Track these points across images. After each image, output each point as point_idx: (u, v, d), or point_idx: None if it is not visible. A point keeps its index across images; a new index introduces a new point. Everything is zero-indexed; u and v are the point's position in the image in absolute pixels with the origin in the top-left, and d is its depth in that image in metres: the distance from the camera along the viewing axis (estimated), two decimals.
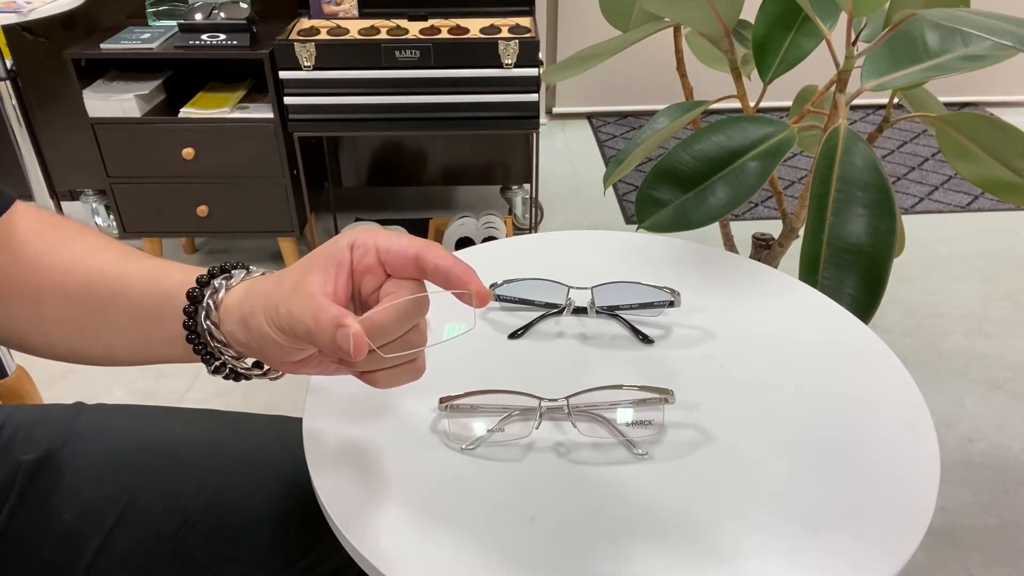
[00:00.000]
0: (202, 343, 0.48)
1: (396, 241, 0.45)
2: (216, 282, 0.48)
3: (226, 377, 0.50)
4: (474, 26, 1.75)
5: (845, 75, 0.91)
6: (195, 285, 0.48)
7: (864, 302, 0.82)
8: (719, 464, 0.53)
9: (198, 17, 1.76)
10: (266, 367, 0.50)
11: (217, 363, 0.49)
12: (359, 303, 0.47)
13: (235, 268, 0.49)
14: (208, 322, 0.47)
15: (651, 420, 0.56)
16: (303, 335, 0.43)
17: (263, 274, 0.50)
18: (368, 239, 0.45)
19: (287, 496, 0.64)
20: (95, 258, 0.51)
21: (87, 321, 0.51)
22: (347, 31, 1.73)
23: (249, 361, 0.50)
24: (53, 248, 0.51)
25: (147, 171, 1.80)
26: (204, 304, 0.47)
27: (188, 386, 1.72)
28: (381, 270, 0.45)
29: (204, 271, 0.49)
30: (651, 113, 1.89)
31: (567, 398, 0.54)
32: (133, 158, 1.78)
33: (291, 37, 1.68)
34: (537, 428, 0.55)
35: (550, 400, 0.54)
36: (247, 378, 0.51)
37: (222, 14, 1.76)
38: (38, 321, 0.51)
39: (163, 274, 0.50)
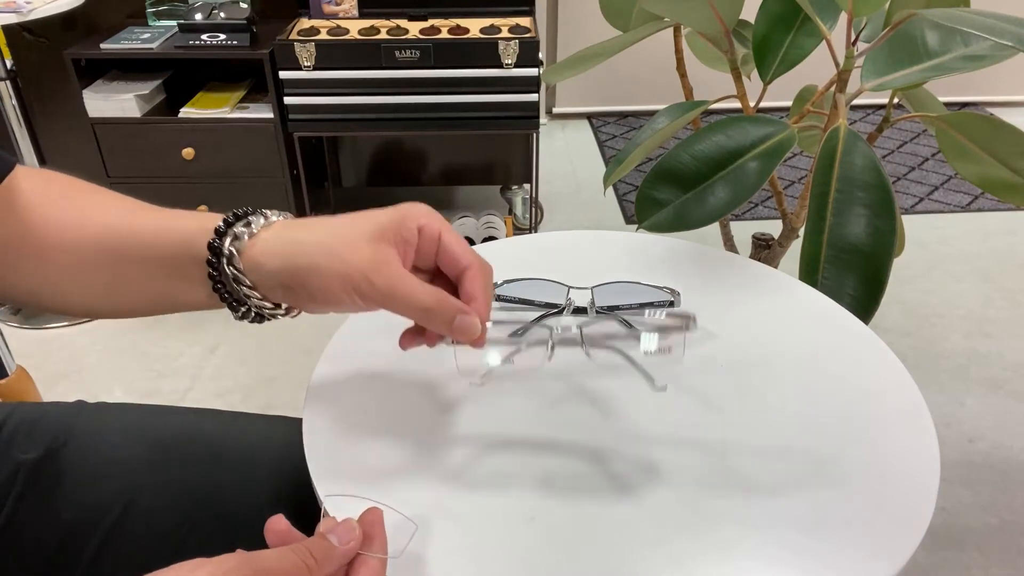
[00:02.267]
0: (228, 291, 0.49)
1: (455, 244, 0.48)
2: (237, 229, 0.49)
3: (252, 320, 0.51)
4: (474, 26, 1.75)
5: (845, 75, 0.91)
6: (215, 236, 0.49)
7: (864, 302, 0.82)
8: (718, 464, 0.53)
9: (198, 17, 1.76)
10: (285, 307, 0.51)
11: (244, 308, 0.50)
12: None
13: (251, 214, 0.50)
14: (231, 269, 0.48)
15: (670, 347, 0.56)
16: (406, 311, 0.46)
17: (284, 217, 0.51)
18: (434, 228, 0.48)
19: (287, 496, 0.64)
20: (105, 215, 0.52)
21: (100, 277, 0.51)
22: (347, 31, 1.73)
23: (270, 303, 0.51)
24: (60, 208, 0.52)
25: (147, 171, 1.80)
26: (226, 252, 0.48)
27: (188, 386, 1.72)
28: (432, 258, 0.49)
29: (220, 220, 0.49)
30: (651, 113, 1.89)
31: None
32: (133, 158, 1.78)
33: (291, 37, 1.68)
34: (553, 344, 0.59)
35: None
36: (272, 318, 0.52)
37: (222, 14, 1.76)
38: (52, 281, 0.52)
39: (176, 224, 0.51)
